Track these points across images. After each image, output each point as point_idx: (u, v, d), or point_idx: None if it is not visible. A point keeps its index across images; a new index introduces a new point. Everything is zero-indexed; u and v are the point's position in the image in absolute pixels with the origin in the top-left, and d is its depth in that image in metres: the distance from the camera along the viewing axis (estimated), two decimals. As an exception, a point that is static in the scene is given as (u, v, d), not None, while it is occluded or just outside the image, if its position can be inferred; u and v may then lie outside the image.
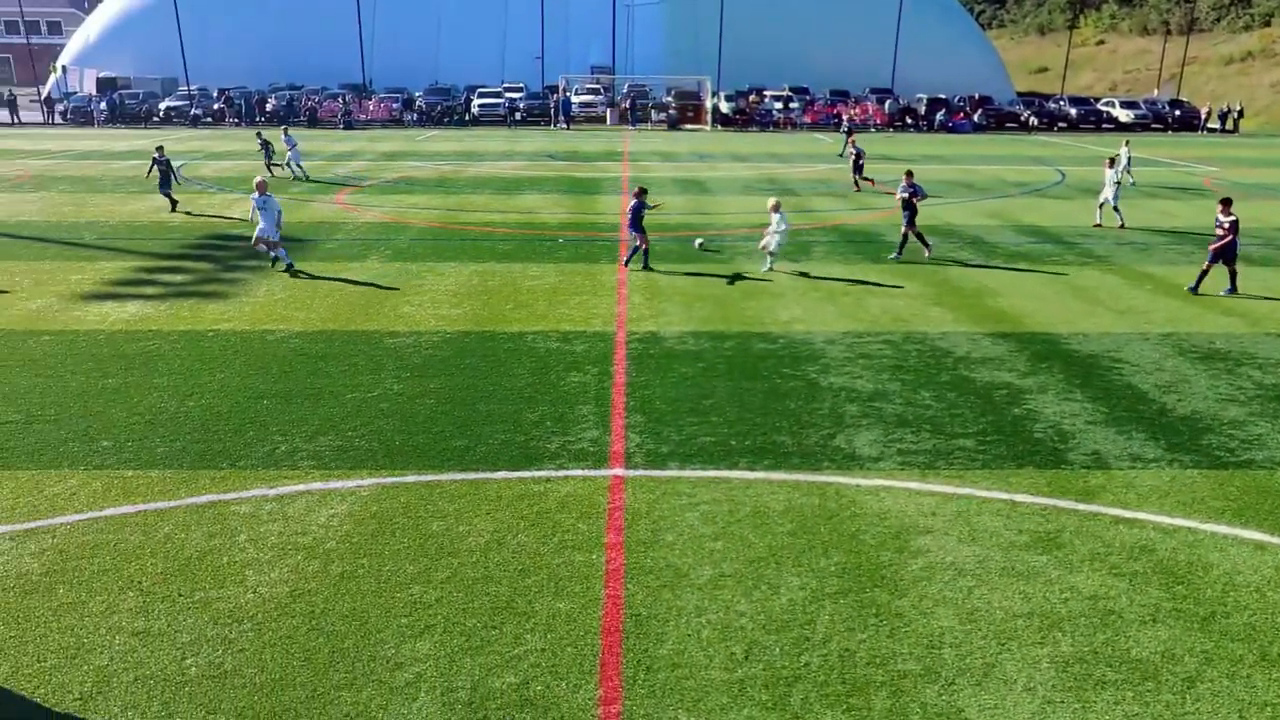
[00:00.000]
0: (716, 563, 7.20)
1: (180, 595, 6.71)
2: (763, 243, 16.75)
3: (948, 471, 8.85)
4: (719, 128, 54.20)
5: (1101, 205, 22.10)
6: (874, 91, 59.35)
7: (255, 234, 16.37)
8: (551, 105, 55.34)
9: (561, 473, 8.69)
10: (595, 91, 59.20)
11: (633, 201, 16.65)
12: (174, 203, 22.76)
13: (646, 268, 16.76)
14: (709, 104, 55.70)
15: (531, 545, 7.41)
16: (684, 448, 9.28)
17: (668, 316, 13.97)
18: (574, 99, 56.31)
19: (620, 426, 9.79)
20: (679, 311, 14.24)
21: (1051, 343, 12.93)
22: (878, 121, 54.89)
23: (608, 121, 56.13)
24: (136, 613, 6.50)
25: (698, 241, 21.44)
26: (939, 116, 54.17)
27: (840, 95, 58.62)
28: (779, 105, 56.16)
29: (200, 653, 6.08)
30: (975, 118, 54.94)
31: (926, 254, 18.20)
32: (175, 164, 26.27)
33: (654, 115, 56.12)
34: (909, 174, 18.19)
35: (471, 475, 8.63)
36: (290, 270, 16.51)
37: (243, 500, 8.14)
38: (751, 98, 57.36)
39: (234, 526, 7.69)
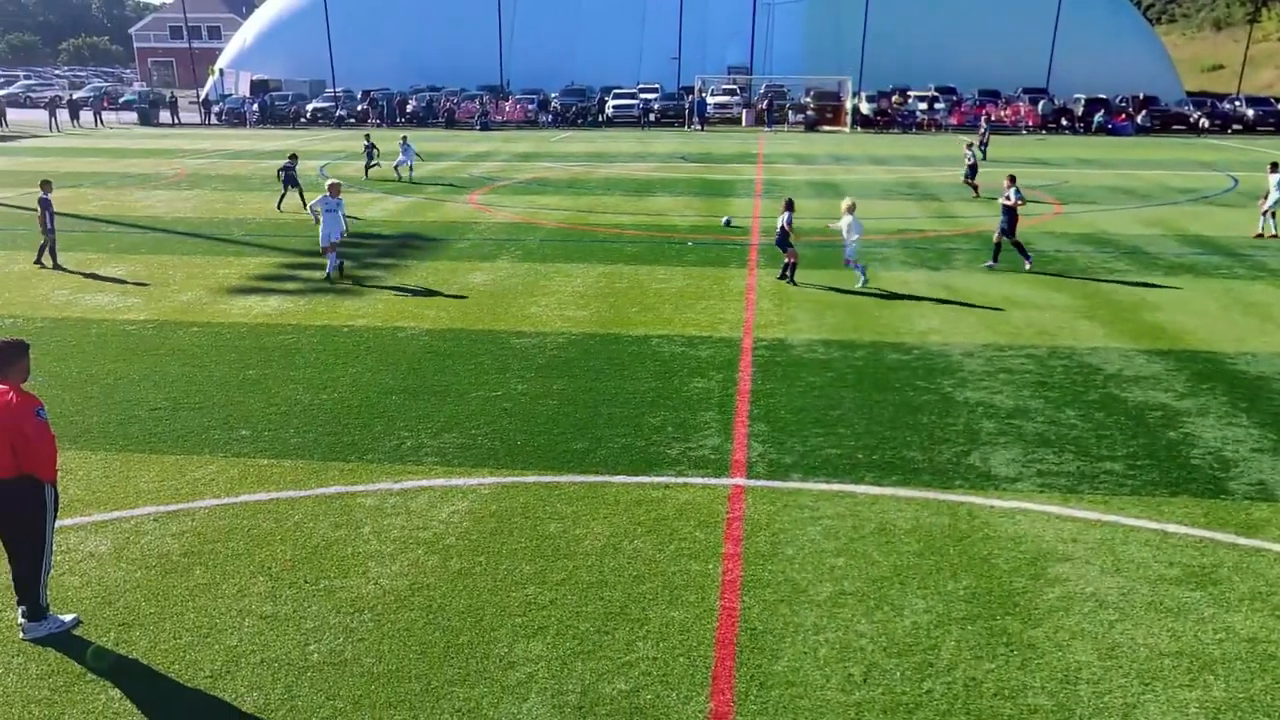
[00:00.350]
0: (837, 580, 6.95)
1: (306, 582, 6.93)
2: (847, 255, 15.73)
3: (1092, 496, 8.30)
4: (858, 129, 52.94)
5: (1266, 213, 20.50)
6: (1027, 91, 56.67)
7: (321, 240, 16.16)
8: (686, 106, 55.29)
9: (681, 479, 8.58)
10: (731, 92, 58.80)
11: (784, 215, 15.83)
12: (305, 200, 23.86)
13: (783, 276, 16.19)
14: (848, 105, 54.49)
15: (648, 552, 7.33)
16: (808, 459, 9.02)
17: (797, 324, 13.67)
18: (709, 100, 56.03)
19: (743, 435, 9.61)
20: (809, 319, 13.92)
21: (1215, 362, 12.01)
22: (1029, 123, 52.48)
23: (743, 123, 55.68)
24: (265, 597, 6.74)
25: (725, 219, 21.25)
26: (1097, 118, 51.24)
27: (990, 95, 56.19)
28: (923, 106, 54.38)
29: (322, 639, 6.25)
30: (1138, 119, 51.74)
31: (989, 264, 17.24)
32: (319, 165, 27.60)
33: (791, 116, 55.31)
34: (1012, 178, 17.21)
35: (590, 478, 8.62)
36: (338, 274, 16.27)
37: (369, 493, 8.37)
38: (894, 98, 55.77)
39: (359, 518, 7.90)
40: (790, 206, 15.99)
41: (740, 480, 8.59)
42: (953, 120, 53.07)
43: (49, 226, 16.85)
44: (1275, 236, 20.31)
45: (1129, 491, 8.39)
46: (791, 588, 6.85)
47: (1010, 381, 11.26)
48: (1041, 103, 53.58)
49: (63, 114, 56.14)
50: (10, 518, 6.08)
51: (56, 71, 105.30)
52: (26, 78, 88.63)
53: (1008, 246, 17.17)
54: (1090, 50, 59.50)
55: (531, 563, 7.17)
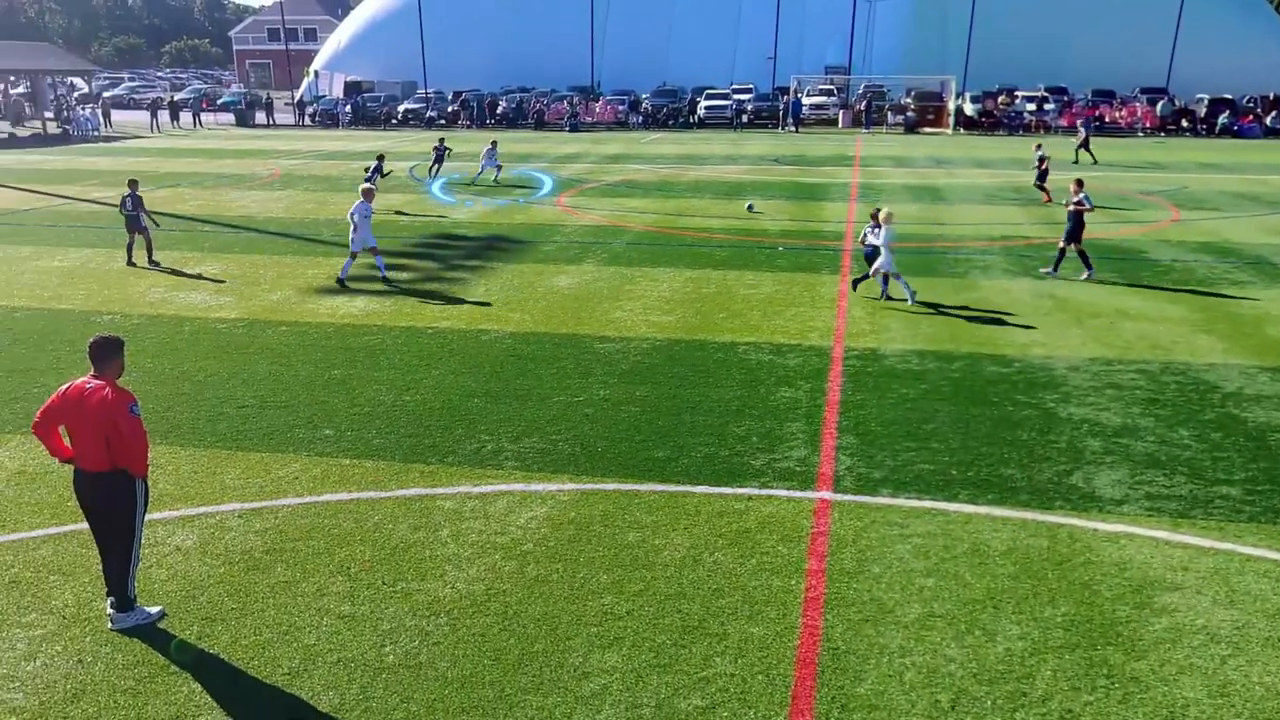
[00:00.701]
0: (926, 601, 6.66)
1: (384, 584, 6.95)
2: (874, 267, 14.72)
3: (1205, 522, 7.77)
4: (961, 131, 51.49)
5: None
6: (1144, 91, 54.04)
7: (354, 245, 16.21)
8: (780, 107, 54.55)
9: (765, 491, 8.36)
10: (828, 93, 57.74)
11: (872, 229, 14.73)
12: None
13: (872, 288, 15.30)
14: (951, 106, 52.99)
15: (728, 565, 7.15)
16: (899, 474, 8.70)
17: (890, 333, 13.26)
18: (804, 101, 55.09)
19: (830, 447, 9.32)
20: (902, 328, 13.49)
21: (1346, 379, 11.19)
22: (1146, 124, 50.15)
23: (840, 124, 54.69)
24: (344, 597, 6.78)
25: (749, 205, 21.29)
26: (1222, 119, 48.61)
27: (1104, 95, 53.72)
28: (1030, 107, 52.44)
29: (398, 641, 6.25)
30: (1268, 120, 48.80)
31: (1086, 275, 16.43)
32: (409, 166, 28.25)
33: (890, 118, 54.10)
34: (1079, 183, 16.33)
35: (671, 488, 8.46)
36: (339, 282, 16.23)
37: (448, 496, 8.37)
38: (1000, 99, 53.94)
39: (438, 521, 7.91)
40: (886, 219, 14.76)
41: (827, 494, 8.32)
42: (1062, 122, 50.80)
43: (140, 225, 17.51)
44: None
45: (1246, 518, 7.84)
46: (877, 607, 6.59)
47: (1119, 398, 10.68)
48: (1160, 103, 51.10)
49: (163, 115, 58.42)
50: (103, 511, 6.26)
51: (159, 74, 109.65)
52: (131, 80, 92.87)
53: (1088, 249, 16.50)
54: (1215, 47, 56.36)
55: (609, 572, 7.06)
